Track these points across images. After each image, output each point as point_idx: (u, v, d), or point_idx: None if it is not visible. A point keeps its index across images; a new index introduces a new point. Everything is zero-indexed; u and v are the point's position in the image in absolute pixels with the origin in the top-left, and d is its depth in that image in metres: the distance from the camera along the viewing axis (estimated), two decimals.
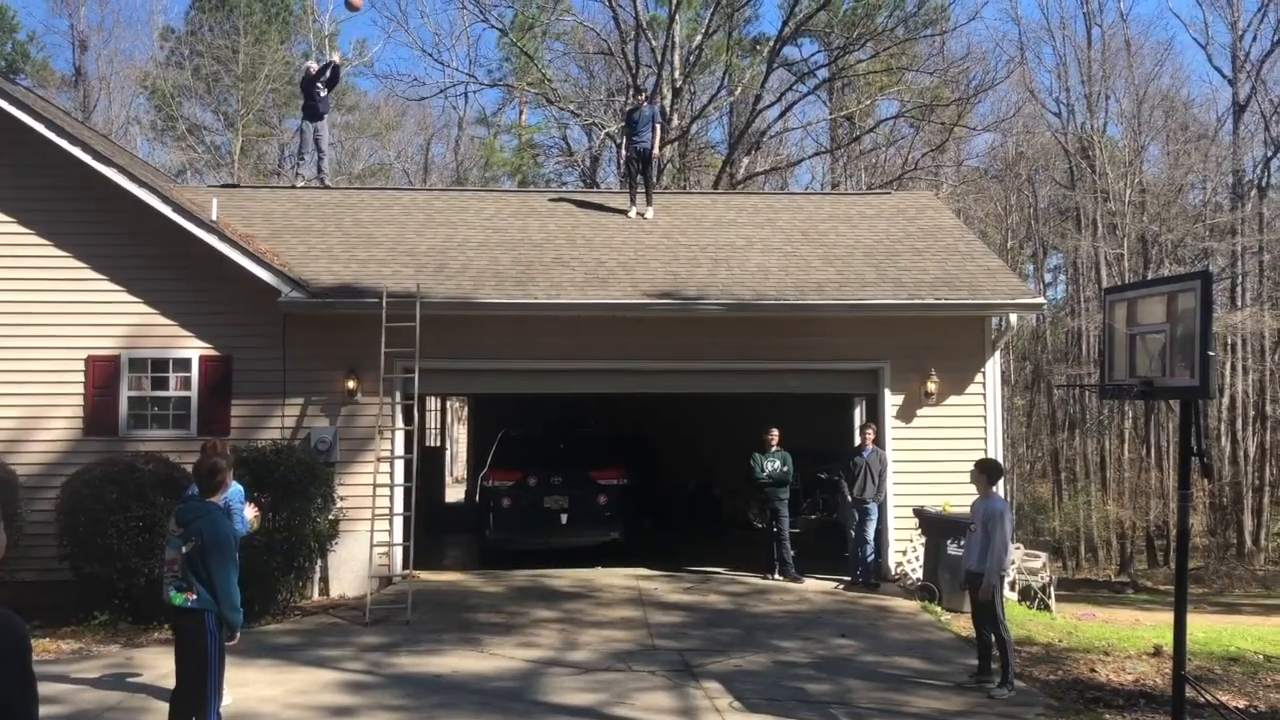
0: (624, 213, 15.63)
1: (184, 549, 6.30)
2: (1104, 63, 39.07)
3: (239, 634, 6.57)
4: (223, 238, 12.50)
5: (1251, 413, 36.57)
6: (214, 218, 13.10)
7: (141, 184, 12.43)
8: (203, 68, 37.25)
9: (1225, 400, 35.94)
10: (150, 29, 43.18)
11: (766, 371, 13.45)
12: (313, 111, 16.26)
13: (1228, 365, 35.70)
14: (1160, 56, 52.26)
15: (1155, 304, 7.14)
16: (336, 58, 17.15)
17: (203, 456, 7.15)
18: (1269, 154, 38.21)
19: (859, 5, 30.83)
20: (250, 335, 12.80)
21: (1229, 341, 35.03)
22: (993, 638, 8.63)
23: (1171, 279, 7.54)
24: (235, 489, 8.03)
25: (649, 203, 15.77)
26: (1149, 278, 35.58)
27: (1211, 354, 6.66)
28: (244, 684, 8.48)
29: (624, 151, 16.14)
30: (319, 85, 16.19)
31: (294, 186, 16.48)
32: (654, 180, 16.65)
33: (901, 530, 13.11)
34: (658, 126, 16.20)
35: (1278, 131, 37.92)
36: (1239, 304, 36.07)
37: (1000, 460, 10.85)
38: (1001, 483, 9.25)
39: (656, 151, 16.33)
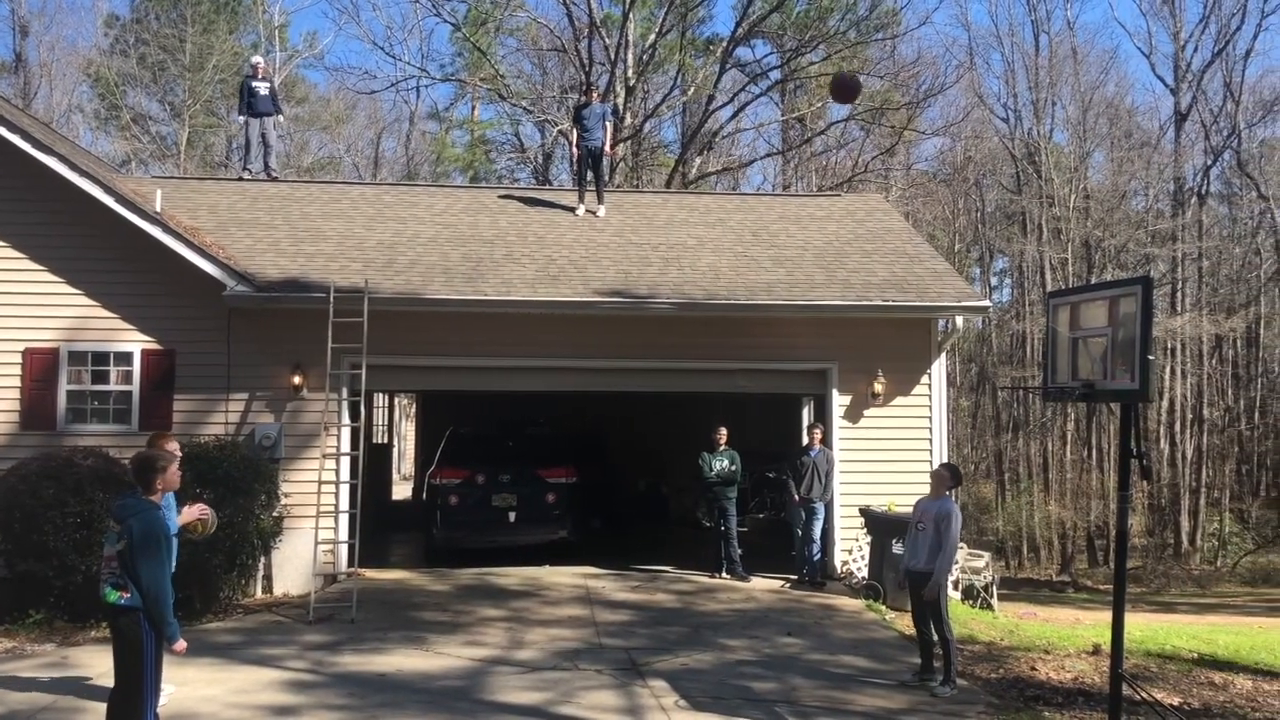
0: (575, 210, 15.60)
1: (118, 546, 6.17)
2: (1051, 70, 39.69)
3: (179, 642, 6.22)
4: (166, 230, 12.28)
5: (1190, 416, 37.34)
6: (158, 209, 12.87)
7: (83, 173, 12.17)
8: (148, 56, 36.58)
9: (1165, 403, 36.69)
10: (94, 15, 42.42)
11: (716, 371, 13.49)
12: (254, 109, 16.02)
13: (1167, 369, 36.45)
14: (1105, 65, 53.35)
15: (1097, 308, 7.25)
16: (260, 69, 16.60)
17: (142, 450, 6.95)
18: (1209, 162, 39.10)
19: (812, 8, 31.02)
20: (195, 329, 12.59)
21: (1169, 346, 35.76)
22: (935, 636, 8.73)
23: (1113, 284, 7.66)
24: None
25: (600, 201, 15.75)
26: (1092, 282, 36.26)
27: (1151, 358, 6.78)
28: (184, 683, 8.35)
29: (575, 149, 16.08)
30: (256, 84, 15.96)
31: (241, 179, 16.23)
32: (606, 179, 16.63)
33: (848, 529, 13.22)
34: (609, 124, 16.18)
35: (1217, 140, 38.80)
36: (1179, 309, 36.82)
37: (958, 467, 10.97)
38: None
39: (609, 149, 16.30)
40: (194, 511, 7.72)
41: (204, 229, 13.68)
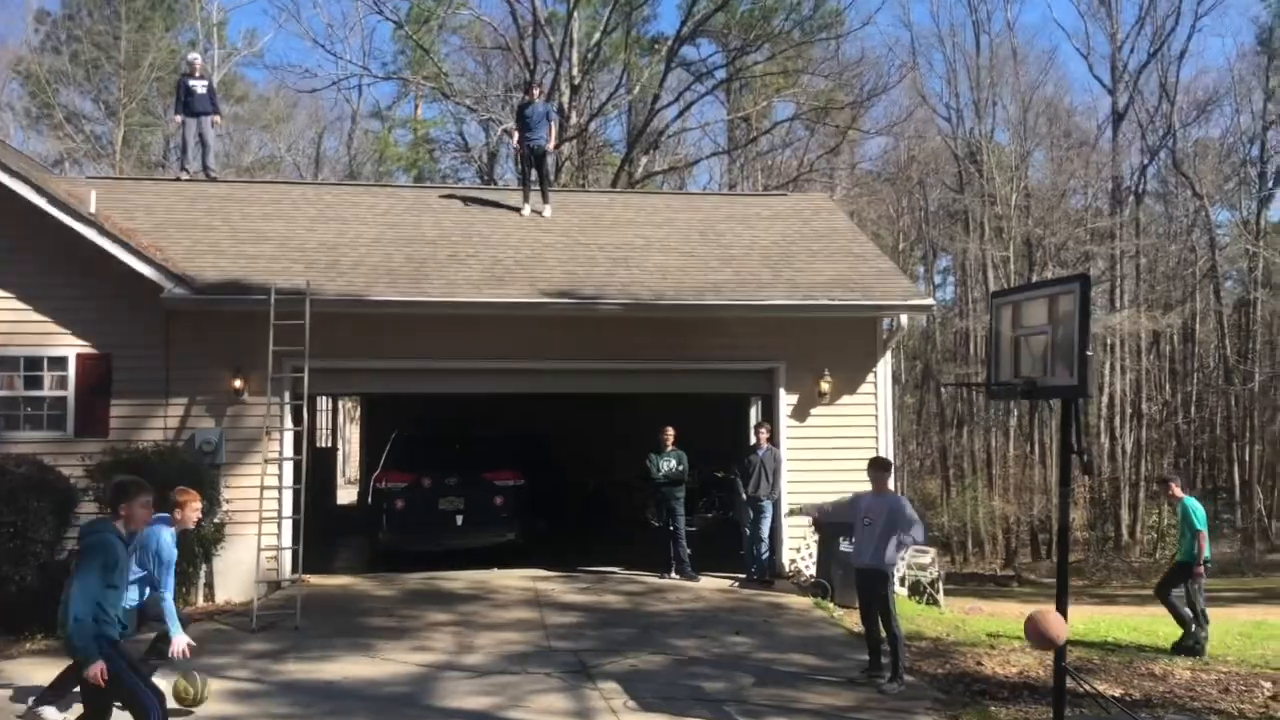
0: (520, 211, 15.50)
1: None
2: (992, 70, 40.24)
3: (94, 668, 5.69)
4: (102, 231, 12.01)
5: (1129, 410, 38.07)
6: (93, 210, 12.56)
7: (12, 173, 11.86)
8: (81, 53, 35.75)
9: (1104, 399, 37.37)
10: (24, 11, 41.26)
11: (664, 371, 13.48)
12: (191, 108, 15.67)
13: (1107, 365, 37.12)
14: (1045, 65, 54.12)
15: (1038, 306, 7.35)
16: (197, 67, 16.25)
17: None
18: (1145, 161, 39.89)
19: (756, 7, 31.18)
20: (132, 333, 12.32)
21: (1108, 342, 36.41)
22: (883, 633, 8.79)
23: (1052, 282, 7.77)
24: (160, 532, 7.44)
25: (546, 201, 15.66)
26: (1033, 280, 36.79)
27: (1089, 354, 6.88)
28: None
29: (518, 148, 15.95)
30: (193, 83, 15.63)
31: (179, 179, 15.91)
32: (551, 178, 16.53)
33: (796, 528, 13.28)
34: (553, 123, 16.09)
35: (1154, 140, 39.59)
36: (1118, 306, 37.51)
37: (890, 458, 11.05)
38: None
39: (552, 148, 16.21)
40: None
41: (141, 230, 13.40)
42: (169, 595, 7.38)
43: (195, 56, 17.01)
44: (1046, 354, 7.18)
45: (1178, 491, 11.33)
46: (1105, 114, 40.67)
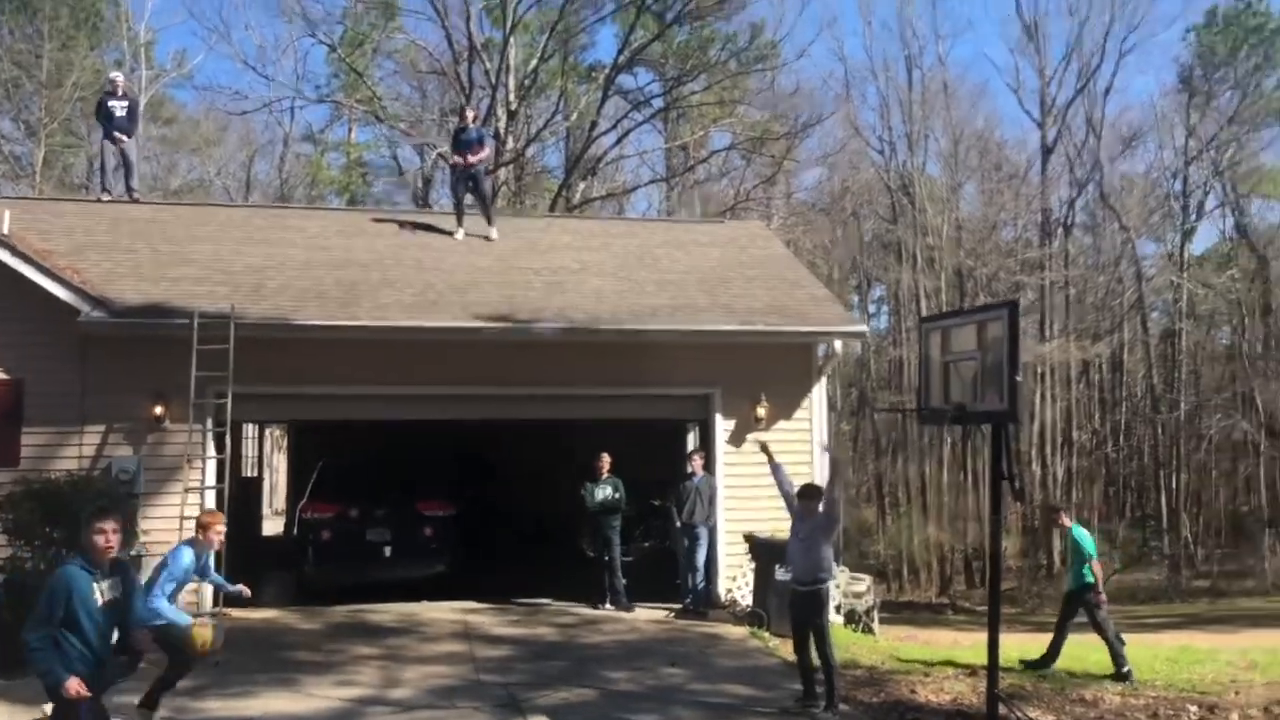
0: (454, 234, 15.31)
1: None
2: (924, 103, 40.90)
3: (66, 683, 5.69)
4: (14, 252, 11.60)
5: (1060, 439, 38.64)
6: (5, 230, 12.15)
7: None
8: (1, 72, 34.85)
9: (1035, 427, 37.90)
10: None
11: (600, 397, 13.33)
12: (111, 128, 15.26)
13: (1038, 394, 37.69)
14: (975, 99, 55.02)
15: (967, 332, 7.37)
16: (119, 85, 15.85)
17: None
18: (1074, 194, 40.74)
19: (693, 38, 31.42)
20: (46, 358, 11.88)
21: (1038, 371, 36.99)
22: (818, 660, 8.68)
23: (982, 308, 7.83)
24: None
25: (490, 223, 15.50)
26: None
27: (1019, 379, 6.89)
28: None
29: (453, 172, 15.76)
30: (114, 104, 15.24)
31: (99, 200, 15.46)
32: (491, 200, 16.35)
33: (733, 557, 13.17)
34: (488, 146, 15.94)
35: (1081, 173, 40.49)
36: (1048, 335, 38.15)
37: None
38: None
39: (487, 170, 16.05)
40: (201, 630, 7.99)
41: (58, 252, 12.97)
42: (161, 599, 7.81)
43: (117, 75, 16.58)
44: (977, 379, 7.19)
45: (1066, 521, 11.69)
46: (1035, 147, 41.53)
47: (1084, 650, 12.16)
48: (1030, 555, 36.37)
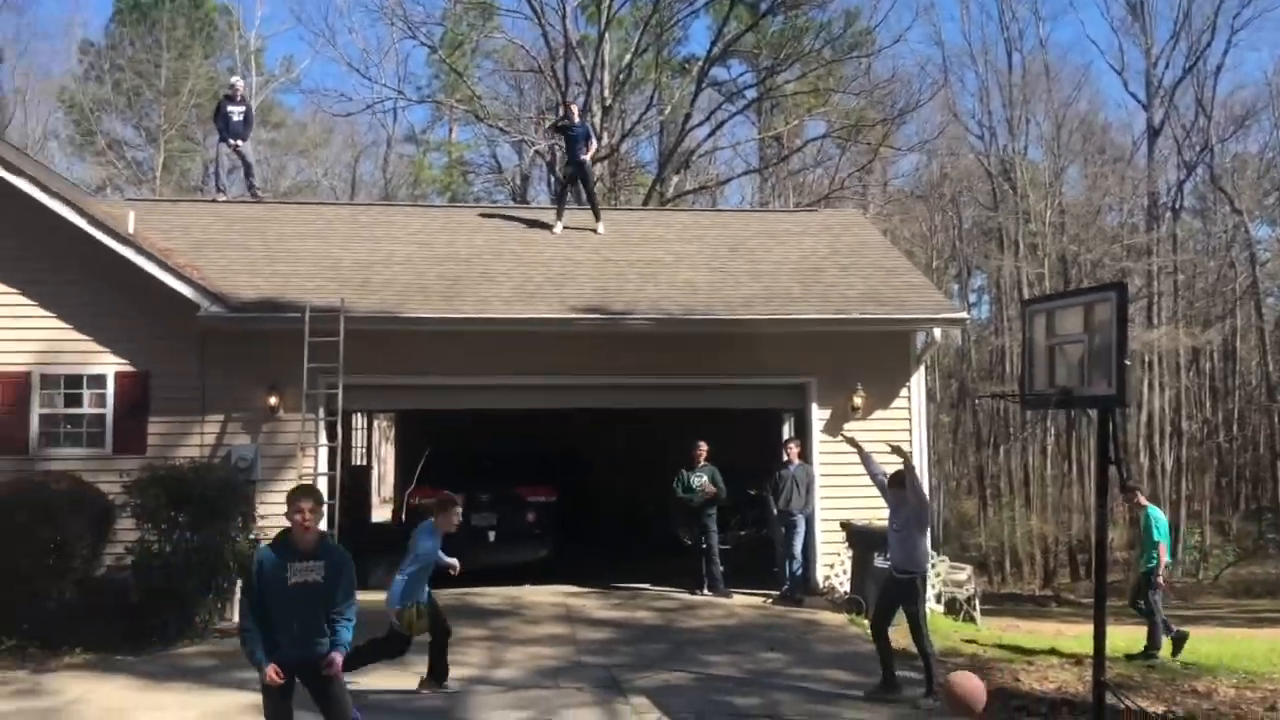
0: (553, 229, 15.56)
1: None
2: (1024, 87, 40.05)
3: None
4: (140, 251, 12.18)
5: (1168, 429, 37.52)
6: (131, 230, 12.76)
7: (54, 195, 12.07)
8: (123, 82, 36.43)
9: (1143, 416, 36.87)
10: (68, 42, 42.13)
11: (694, 387, 13.45)
12: (229, 131, 15.87)
13: (1145, 382, 36.63)
14: (1078, 81, 53.48)
15: (1073, 315, 7.28)
16: (238, 90, 16.45)
17: None
18: (1181, 177, 39.48)
19: (787, 28, 31.22)
20: (169, 351, 12.45)
21: (1146, 359, 35.95)
22: (909, 648, 8.68)
23: (1088, 290, 7.73)
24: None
25: (597, 218, 15.77)
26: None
27: (1127, 363, 6.80)
28: (157, 708, 8.24)
29: (565, 168, 15.97)
30: (232, 108, 15.85)
31: (214, 201, 16.08)
32: (596, 194, 16.58)
33: (830, 544, 13.17)
34: (592, 139, 16.20)
35: (1190, 155, 39.18)
36: (1155, 322, 37.05)
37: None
38: None
39: (588, 160, 16.30)
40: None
41: (178, 250, 13.57)
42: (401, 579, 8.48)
43: (238, 80, 17.21)
44: (1083, 363, 7.10)
45: (1143, 500, 11.91)
46: (1141, 130, 40.39)
47: (1194, 642, 11.90)
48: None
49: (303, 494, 6.13)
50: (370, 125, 40.99)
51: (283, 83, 39.46)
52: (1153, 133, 38.78)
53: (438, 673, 8.78)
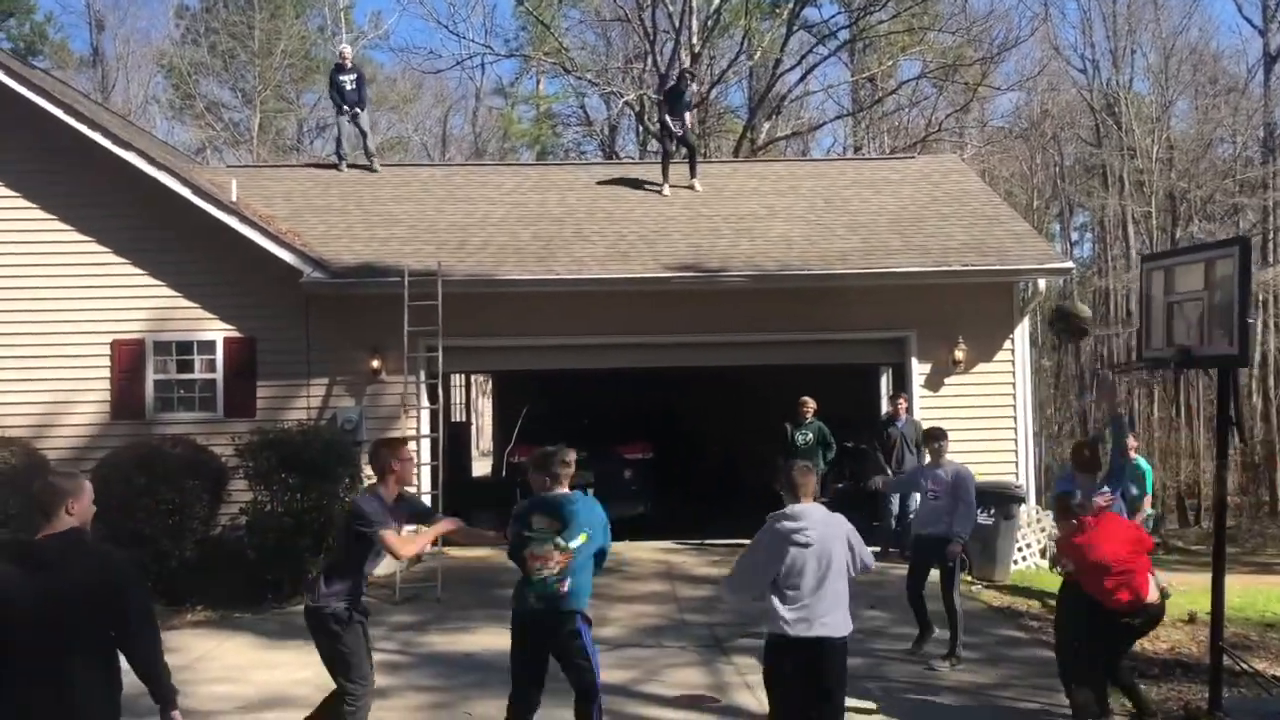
0: (655, 188, 15.43)
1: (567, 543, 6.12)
2: (1130, 17, 38.31)
3: None
4: (243, 219, 12.47)
5: None
6: (234, 198, 13.07)
7: (160, 166, 12.40)
8: (219, 44, 37.13)
9: (1257, 357, 35.45)
10: (166, 7, 43.08)
11: (791, 343, 13.34)
12: (343, 102, 15.96)
13: (1260, 322, 35.14)
14: (1188, 8, 51.23)
15: (1193, 271, 6.99)
16: (346, 58, 16.47)
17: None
18: None
19: None
20: (273, 316, 12.80)
21: (1261, 299, 34.46)
22: (944, 607, 8.64)
23: (1209, 245, 7.41)
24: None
25: (694, 175, 15.69)
26: (1177, 235, 35.10)
27: (1251, 321, 6.52)
28: (276, 666, 8.54)
29: (674, 129, 15.75)
30: (343, 78, 15.93)
31: (337, 169, 16.11)
32: (696, 155, 16.46)
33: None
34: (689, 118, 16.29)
35: None
36: (1270, 260, 35.48)
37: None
38: None
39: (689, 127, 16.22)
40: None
41: (279, 216, 13.86)
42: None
43: (345, 48, 17.28)
44: (1203, 320, 6.83)
45: (1132, 453, 11.32)
46: (1256, 57, 38.29)
47: None
48: (1251, 492, 34.27)
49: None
50: (459, 80, 41.23)
51: (372, 39, 39.74)
52: (1269, 59, 36.82)
53: None
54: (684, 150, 16.05)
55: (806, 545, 5.38)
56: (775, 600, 5.38)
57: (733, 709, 7.51)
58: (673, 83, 16.35)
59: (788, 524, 5.44)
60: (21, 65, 13.95)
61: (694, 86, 16.27)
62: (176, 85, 38.64)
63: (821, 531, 5.46)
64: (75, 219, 12.69)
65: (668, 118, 15.64)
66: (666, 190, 15.38)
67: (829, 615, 5.38)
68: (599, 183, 16.10)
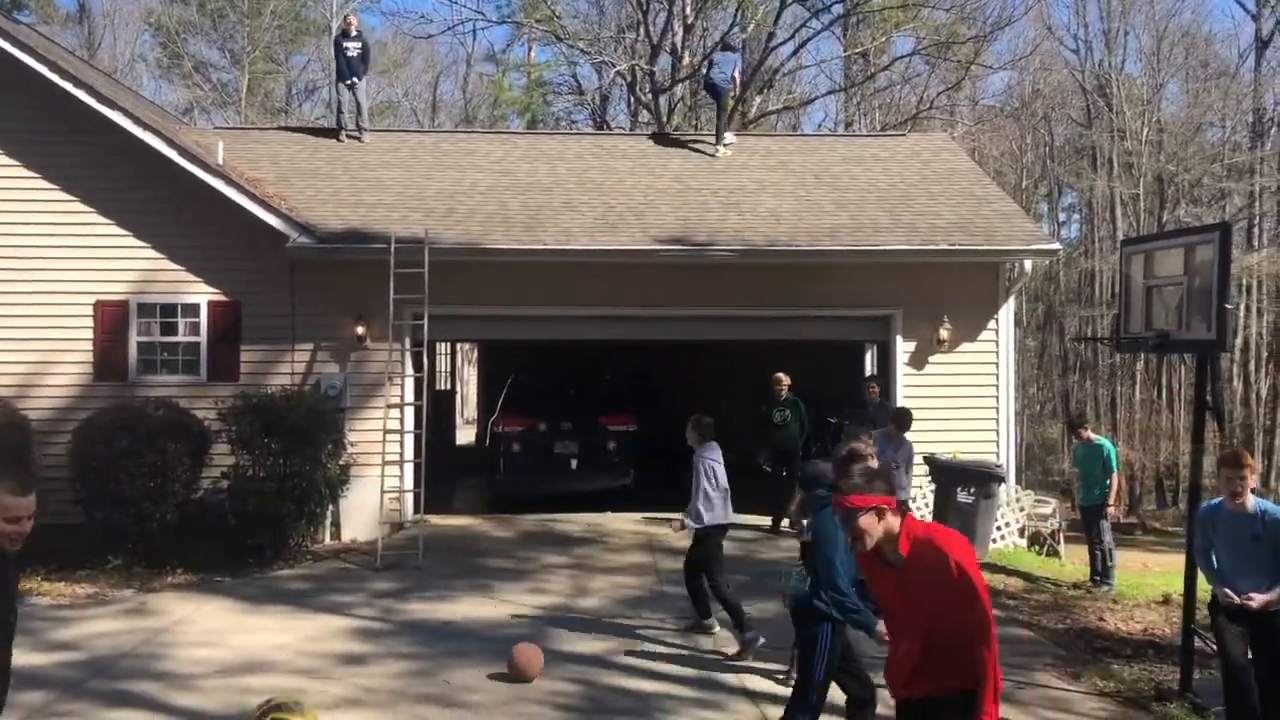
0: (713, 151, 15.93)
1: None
2: None
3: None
4: (229, 182, 12.38)
5: (1265, 354, 36.37)
6: (220, 161, 12.97)
7: (146, 127, 12.28)
8: (208, 3, 36.73)
9: (1239, 342, 35.72)
10: None
11: (777, 318, 13.36)
12: (343, 72, 15.79)
13: (1243, 307, 35.40)
14: None
15: (1173, 256, 7.03)
16: (351, 25, 16.25)
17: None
18: None
19: None
20: (259, 281, 12.73)
21: (1244, 283, 34.70)
22: None
23: (1190, 230, 7.44)
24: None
25: (719, 140, 16.11)
26: (1164, 219, 35.23)
27: (1229, 306, 6.56)
28: (256, 631, 8.58)
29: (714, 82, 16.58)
30: (347, 46, 15.73)
31: (338, 139, 15.95)
32: (728, 118, 17.12)
33: (913, 478, 13.06)
34: (736, 73, 17.24)
35: None
36: (1256, 245, 35.66)
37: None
38: None
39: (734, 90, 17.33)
40: None
41: (266, 180, 13.77)
42: None
43: (351, 15, 17.04)
44: (1182, 305, 6.88)
45: (1092, 436, 12.02)
46: (1248, 41, 38.41)
47: None
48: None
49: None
50: (450, 45, 40.87)
51: (363, 3, 39.42)
52: (1261, 44, 36.85)
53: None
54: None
55: None
56: None
57: (711, 682, 7.58)
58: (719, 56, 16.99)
59: None
60: (4, 19, 13.77)
61: (733, 54, 17.30)
62: (164, 44, 38.22)
63: None
64: (59, 178, 12.56)
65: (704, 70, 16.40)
66: (721, 150, 15.92)
67: None
68: (649, 136, 16.32)
